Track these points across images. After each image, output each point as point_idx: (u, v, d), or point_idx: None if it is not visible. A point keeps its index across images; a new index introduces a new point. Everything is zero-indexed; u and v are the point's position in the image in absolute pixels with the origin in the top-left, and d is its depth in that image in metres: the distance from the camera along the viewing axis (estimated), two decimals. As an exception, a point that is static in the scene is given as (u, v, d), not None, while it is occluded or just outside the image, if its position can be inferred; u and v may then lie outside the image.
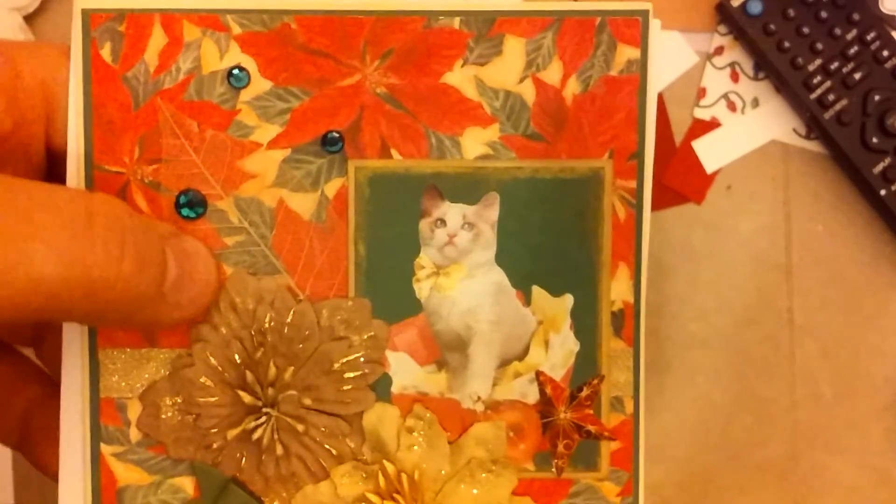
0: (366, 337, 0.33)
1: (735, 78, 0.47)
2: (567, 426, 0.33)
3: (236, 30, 0.32)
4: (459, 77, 0.32)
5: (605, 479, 0.33)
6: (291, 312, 0.32)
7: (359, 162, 0.32)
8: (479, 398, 0.33)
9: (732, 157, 0.47)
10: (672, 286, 0.45)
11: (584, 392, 0.33)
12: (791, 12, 0.44)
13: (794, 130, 0.46)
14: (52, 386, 0.34)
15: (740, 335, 0.45)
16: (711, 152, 0.46)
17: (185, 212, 0.32)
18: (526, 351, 0.33)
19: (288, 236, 0.32)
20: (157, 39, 0.32)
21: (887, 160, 0.45)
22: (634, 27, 0.32)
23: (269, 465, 0.33)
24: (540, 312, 0.33)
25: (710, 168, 0.46)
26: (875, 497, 0.46)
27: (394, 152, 0.32)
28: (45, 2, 0.47)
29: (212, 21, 0.32)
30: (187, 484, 0.33)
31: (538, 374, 0.33)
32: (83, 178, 0.32)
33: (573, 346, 0.33)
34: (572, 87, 0.32)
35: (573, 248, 0.33)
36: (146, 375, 0.33)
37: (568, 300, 0.33)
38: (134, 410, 0.33)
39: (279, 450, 0.32)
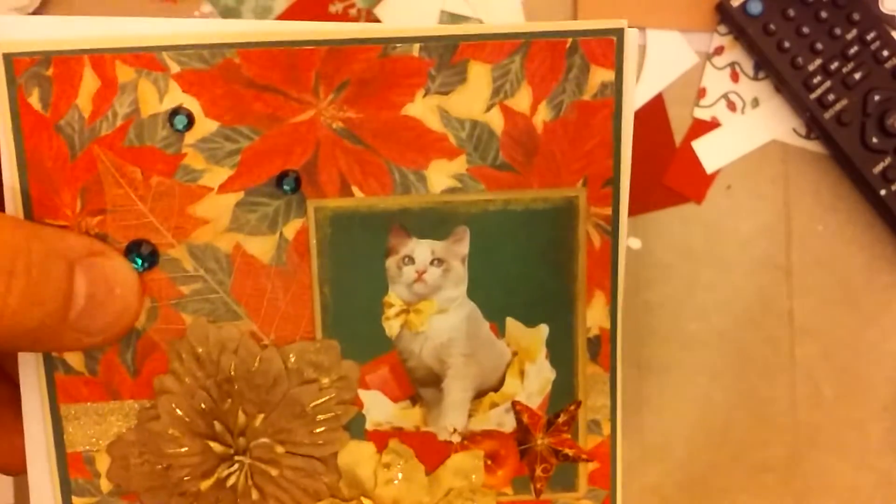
0: (336, 378, 0.32)
1: (735, 78, 0.45)
2: (544, 451, 0.33)
3: (175, 68, 0.29)
4: (422, 108, 0.30)
5: (584, 498, 0.34)
6: (257, 359, 0.32)
7: (318, 202, 0.31)
8: (455, 430, 0.33)
9: (732, 157, 0.46)
10: (672, 286, 0.45)
11: (562, 418, 0.33)
12: (791, 12, 0.43)
13: (794, 130, 0.45)
14: (10, 383, 0.34)
15: (740, 335, 0.46)
16: (711, 152, 0.46)
17: (135, 263, 0.31)
18: (501, 382, 0.33)
19: (248, 281, 0.31)
20: (89, 83, 0.29)
21: (887, 160, 0.45)
22: (608, 48, 0.30)
23: (247, 508, 0.33)
24: (514, 343, 0.33)
25: (710, 168, 0.45)
26: (875, 497, 0.48)
27: (355, 189, 0.31)
28: (45, 2, 0.44)
29: (147, 60, 0.29)
30: (164, 529, 0.33)
31: (514, 403, 0.33)
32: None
33: (549, 374, 0.33)
34: (543, 114, 0.31)
35: (547, 278, 0.32)
36: (111, 428, 0.32)
37: (543, 330, 0.32)
38: (102, 462, 0.33)
39: (255, 494, 0.33)
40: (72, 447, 0.33)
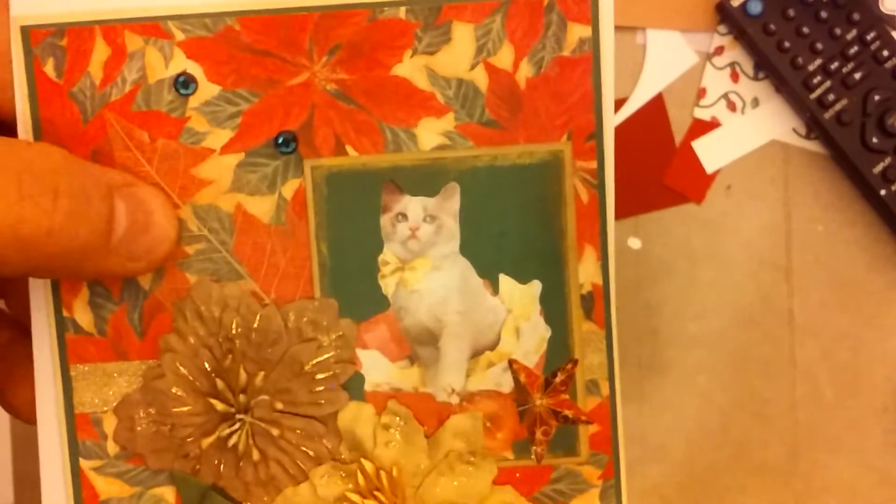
0: (335, 337, 0.33)
1: (735, 78, 0.47)
2: (544, 412, 0.34)
3: (179, 36, 0.32)
4: (410, 68, 0.32)
5: (586, 463, 0.34)
6: (258, 317, 0.33)
7: (314, 161, 0.33)
8: (453, 390, 0.34)
9: (732, 157, 0.47)
10: (672, 286, 0.45)
11: (559, 377, 0.33)
12: (791, 12, 0.44)
13: (794, 130, 0.47)
14: (21, 329, 0.36)
15: (740, 335, 0.46)
16: (711, 152, 0.47)
17: (143, 224, 0.32)
18: (497, 340, 0.34)
19: (248, 241, 0.33)
20: (100, 52, 0.32)
21: (887, 160, 0.45)
22: (584, 4, 0.32)
23: (248, 471, 0.34)
24: (509, 300, 0.33)
25: (710, 168, 0.46)
26: (875, 497, 0.46)
27: (349, 149, 0.32)
28: None
29: (154, 29, 0.32)
30: (168, 494, 0.34)
31: (511, 362, 0.33)
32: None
33: (544, 332, 0.33)
34: (525, 71, 0.32)
35: (537, 233, 0.33)
36: (118, 389, 0.33)
37: (536, 286, 0.33)
38: (109, 424, 0.34)
39: (256, 455, 0.33)
40: (80, 408, 0.34)
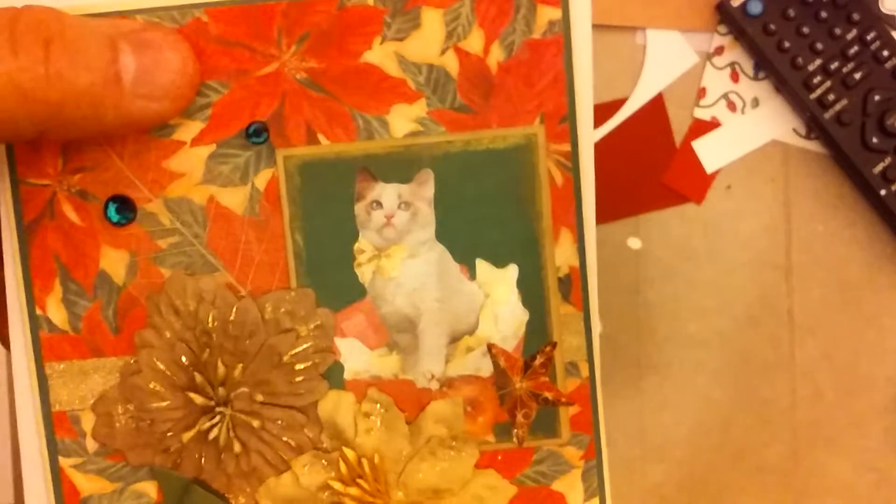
0: (312, 327, 0.34)
1: (735, 78, 0.48)
2: (524, 395, 0.34)
3: (146, 28, 0.32)
4: (380, 55, 0.33)
5: (567, 444, 0.35)
6: (234, 309, 0.34)
7: (286, 151, 0.33)
8: (433, 376, 0.34)
9: (732, 157, 0.48)
10: (672, 286, 0.46)
11: (538, 360, 0.34)
12: (791, 12, 0.45)
13: (794, 130, 0.47)
14: None
15: (740, 335, 0.47)
16: (711, 152, 0.48)
17: (114, 218, 0.33)
18: (476, 325, 0.34)
19: (222, 233, 0.34)
20: (67, 46, 0.32)
21: (887, 160, 0.46)
22: (553, -14, 0.32)
23: (230, 463, 0.34)
24: (486, 285, 0.34)
25: (710, 168, 0.47)
26: (875, 497, 0.48)
27: (321, 137, 0.33)
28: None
29: (120, 22, 0.32)
30: (150, 488, 0.35)
31: (490, 346, 0.34)
32: (9, 194, 0.33)
33: (522, 315, 0.34)
34: (496, 55, 0.33)
35: (512, 217, 0.34)
36: (95, 386, 0.34)
37: (512, 270, 0.34)
38: (87, 421, 0.34)
39: (237, 447, 0.34)
40: (57, 406, 0.34)
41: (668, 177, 0.46)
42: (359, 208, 0.34)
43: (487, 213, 0.35)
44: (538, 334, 0.35)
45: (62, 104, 0.29)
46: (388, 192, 0.34)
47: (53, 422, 0.35)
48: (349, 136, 0.34)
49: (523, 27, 0.34)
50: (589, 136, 0.34)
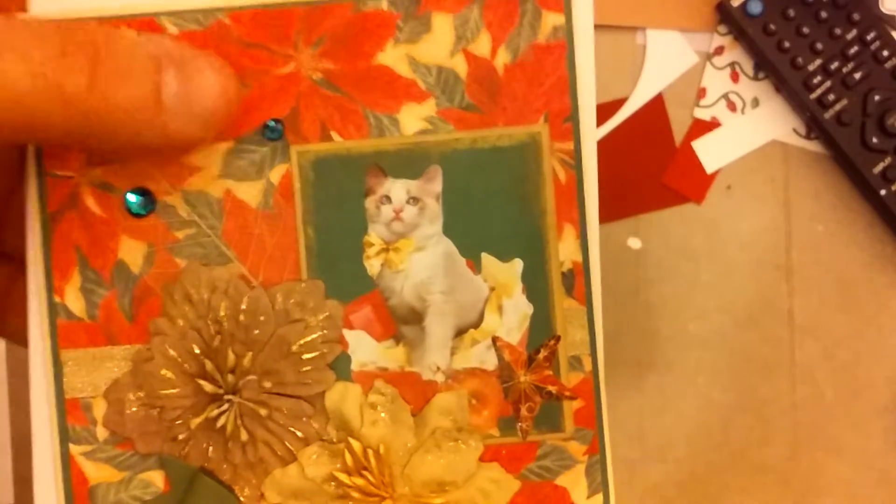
0: (321, 317, 0.35)
1: (735, 78, 0.49)
2: (528, 389, 0.35)
3: (173, 30, 0.35)
4: (392, 56, 0.35)
5: (571, 439, 0.36)
6: (246, 299, 0.35)
7: (301, 147, 0.35)
8: (438, 369, 0.35)
9: (732, 157, 0.49)
10: (672, 286, 0.47)
11: (542, 353, 0.35)
12: (791, 12, 0.47)
13: (794, 130, 0.49)
14: (17, 263, 0.37)
15: (740, 335, 0.47)
16: (711, 152, 0.49)
17: (134, 209, 0.34)
18: (481, 318, 0.35)
19: (237, 225, 0.35)
20: (97, 44, 0.34)
21: (887, 160, 0.47)
22: (556, -6, 0.34)
23: (236, 453, 0.35)
24: (491, 279, 0.35)
25: (710, 168, 0.48)
26: (875, 497, 0.48)
27: (334, 135, 0.35)
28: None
29: (149, 24, 0.35)
30: (157, 478, 0.35)
31: (495, 339, 0.35)
32: (35, 185, 0.34)
33: (527, 309, 0.35)
34: (502, 58, 0.35)
35: (517, 213, 0.35)
36: (108, 373, 0.35)
37: (517, 265, 0.35)
38: (99, 409, 0.35)
39: (244, 436, 0.35)
40: (70, 393, 0.35)
41: (668, 177, 0.47)
42: (368, 203, 0.36)
43: (493, 209, 0.36)
44: (542, 328, 0.36)
45: (101, 116, 0.30)
46: (397, 188, 0.36)
47: (66, 409, 0.36)
48: (361, 134, 0.36)
49: (529, 32, 0.36)
50: (592, 135, 0.36)
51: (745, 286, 0.47)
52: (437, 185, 0.36)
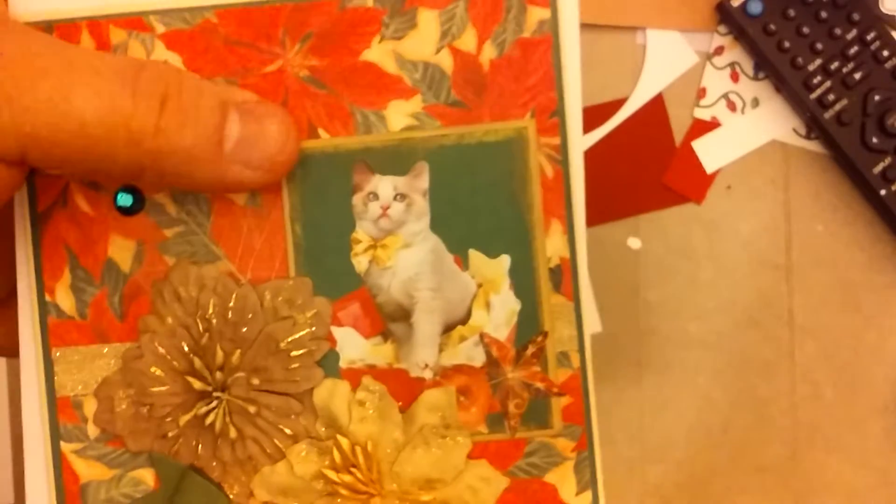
0: (309, 315, 0.35)
1: (735, 78, 0.49)
2: (516, 385, 0.35)
3: (160, 29, 0.35)
4: (378, 53, 0.35)
5: (559, 436, 0.35)
6: (234, 296, 0.35)
7: (288, 144, 0.35)
8: (426, 365, 0.35)
9: (732, 157, 0.49)
10: (672, 286, 0.47)
11: (530, 350, 0.35)
12: (791, 12, 0.46)
13: (794, 130, 0.48)
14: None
15: (740, 335, 0.47)
16: (711, 152, 0.48)
17: (124, 208, 0.35)
18: (468, 314, 0.35)
19: (225, 223, 0.35)
20: (87, 45, 0.35)
21: (887, 160, 0.47)
22: (541, -12, 0.34)
23: (225, 450, 0.35)
24: (478, 275, 0.35)
25: (710, 168, 0.48)
26: (875, 497, 0.47)
27: (321, 131, 0.35)
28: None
29: (136, 23, 0.35)
30: (147, 476, 0.36)
31: (482, 335, 0.35)
32: (24, 184, 0.35)
33: (514, 305, 0.35)
34: (488, 53, 0.35)
35: (504, 208, 0.35)
36: (99, 371, 0.35)
37: (505, 261, 0.35)
38: (90, 407, 0.35)
39: (233, 433, 0.35)
40: (61, 391, 0.36)
41: (668, 177, 0.47)
42: (356, 199, 0.36)
43: (480, 205, 0.36)
44: (530, 324, 0.36)
45: (163, 157, 0.31)
46: (384, 184, 0.36)
47: (57, 407, 0.36)
48: (348, 131, 0.36)
49: (514, 27, 0.36)
50: (578, 130, 0.36)
51: (745, 286, 0.47)
52: (424, 182, 0.36)
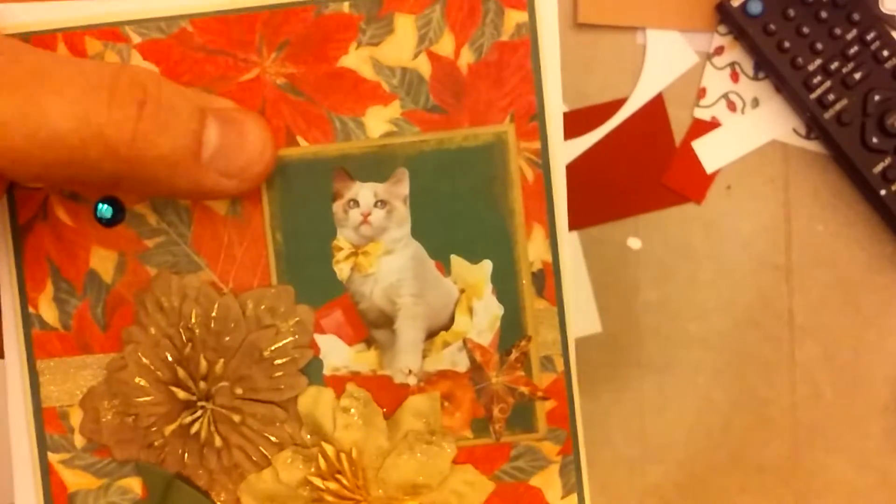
0: (292, 323, 0.35)
1: (735, 78, 0.48)
2: (500, 390, 0.35)
3: (136, 39, 0.35)
4: (355, 59, 0.35)
5: (544, 439, 0.36)
6: (216, 306, 0.35)
7: (267, 152, 0.35)
8: (410, 371, 0.35)
9: (732, 157, 0.49)
10: (672, 286, 0.47)
11: (513, 354, 0.35)
12: (791, 12, 0.46)
13: (794, 130, 0.48)
14: None
15: (740, 335, 0.47)
16: (711, 152, 0.48)
17: (104, 219, 0.35)
18: (451, 320, 0.35)
19: (206, 233, 0.35)
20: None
21: (887, 160, 0.47)
22: (519, -9, 0.34)
23: (211, 458, 0.35)
24: (461, 281, 0.35)
25: (710, 168, 0.48)
26: (875, 497, 0.48)
27: (300, 139, 0.35)
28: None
29: (112, 34, 0.35)
30: (135, 484, 0.36)
31: (466, 341, 0.35)
32: (5, 197, 0.35)
33: (497, 310, 0.35)
34: (466, 57, 0.35)
35: (485, 214, 0.35)
36: (84, 382, 0.35)
37: (487, 266, 0.35)
38: (76, 417, 0.35)
39: (218, 442, 0.35)
40: (47, 402, 0.36)
41: (668, 177, 0.46)
42: (336, 207, 0.36)
43: (461, 210, 0.36)
44: (513, 329, 0.36)
45: (140, 165, 0.31)
46: (364, 191, 0.36)
47: (43, 418, 0.36)
48: (327, 138, 0.36)
49: (492, 30, 0.35)
50: (558, 134, 0.36)
51: (744, 286, 0.47)
52: (405, 188, 0.36)
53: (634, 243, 0.46)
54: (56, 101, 0.29)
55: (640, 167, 0.47)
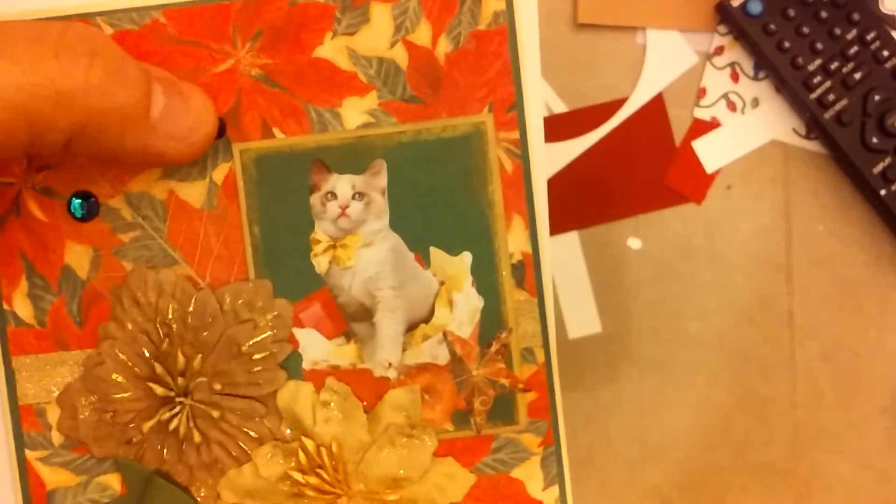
0: (270, 317, 0.35)
1: (735, 78, 0.48)
2: (481, 382, 0.35)
3: (108, 30, 0.35)
4: (331, 49, 0.34)
5: (526, 431, 0.36)
6: (193, 301, 0.35)
7: (242, 144, 0.35)
8: (390, 364, 0.35)
9: (732, 157, 0.48)
10: (672, 286, 0.46)
11: (494, 346, 0.35)
12: (791, 12, 0.46)
13: (794, 130, 0.48)
14: None
15: (740, 335, 0.47)
16: (711, 152, 0.48)
17: (78, 213, 0.34)
18: (431, 313, 0.35)
19: (182, 226, 0.35)
20: (32, 48, 0.34)
21: (887, 160, 0.46)
22: (496, -21, 0.34)
23: (191, 454, 0.35)
24: (440, 273, 0.35)
25: (710, 168, 0.47)
26: (875, 497, 0.48)
27: (276, 131, 0.35)
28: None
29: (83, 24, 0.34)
30: (114, 481, 0.36)
31: (446, 333, 0.35)
32: (-22, 192, 0.34)
33: (477, 302, 0.35)
34: (443, 46, 0.34)
35: (464, 205, 0.35)
36: (60, 379, 0.35)
37: (466, 258, 0.35)
38: (53, 414, 0.35)
39: (197, 437, 0.35)
40: (24, 399, 0.36)
41: (668, 177, 0.46)
42: (314, 199, 0.36)
43: (440, 202, 0.36)
44: (494, 321, 0.36)
45: (96, 115, 0.30)
46: (341, 183, 0.36)
47: (20, 415, 0.36)
48: (303, 130, 0.35)
49: (469, 19, 0.35)
50: (538, 123, 0.35)
51: (744, 286, 0.47)
52: (383, 180, 0.36)
53: (634, 243, 0.46)
54: (1, 62, 0.29)
55: (640, 167, 0.47)
